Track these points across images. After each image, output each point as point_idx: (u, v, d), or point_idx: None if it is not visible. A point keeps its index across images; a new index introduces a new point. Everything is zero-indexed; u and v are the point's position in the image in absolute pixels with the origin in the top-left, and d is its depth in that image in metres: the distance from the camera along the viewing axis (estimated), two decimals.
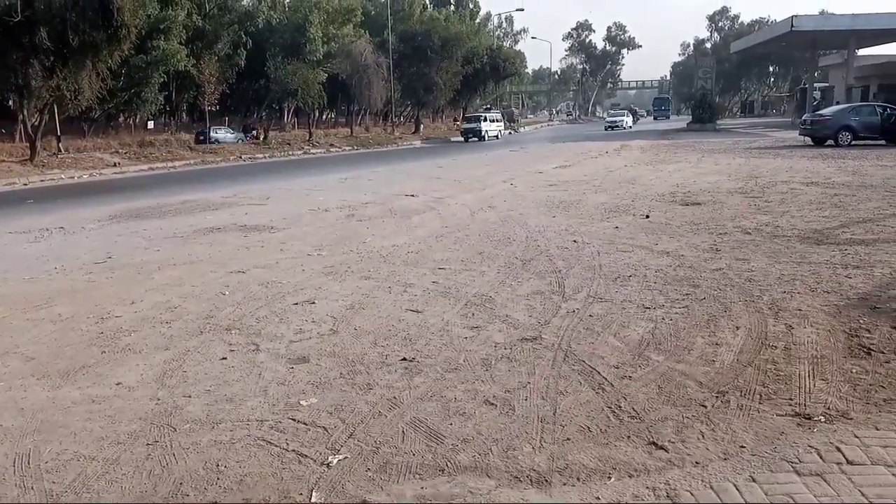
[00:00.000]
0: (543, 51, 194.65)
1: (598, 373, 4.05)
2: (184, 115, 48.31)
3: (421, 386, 3.96)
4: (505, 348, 4.54)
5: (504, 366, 4.23)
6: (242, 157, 33.76)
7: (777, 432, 3.26)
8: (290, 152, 38.50)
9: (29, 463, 3.21)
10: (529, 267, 6.87)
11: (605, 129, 54.03)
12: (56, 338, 5.13)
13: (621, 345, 4.53)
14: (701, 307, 5.29)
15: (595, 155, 24.43)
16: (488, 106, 70.92)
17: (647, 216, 9.87)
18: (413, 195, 13.61)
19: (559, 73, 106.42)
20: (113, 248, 8.85)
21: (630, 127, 57.85)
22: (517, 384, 3.93)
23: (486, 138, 44.36)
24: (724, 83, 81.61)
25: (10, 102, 34.73)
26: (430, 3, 73.08)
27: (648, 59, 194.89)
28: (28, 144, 29.83)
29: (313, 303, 5.79)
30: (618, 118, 59.44)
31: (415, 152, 33.98)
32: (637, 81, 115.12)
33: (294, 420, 3.54)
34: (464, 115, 70.19)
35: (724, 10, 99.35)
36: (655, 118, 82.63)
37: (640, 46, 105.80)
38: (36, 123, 29.88)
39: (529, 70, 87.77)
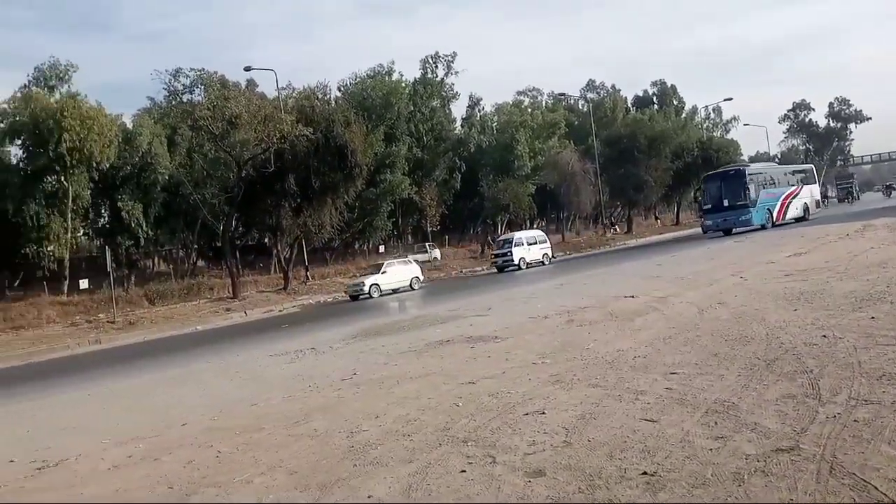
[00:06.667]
0: (758, 136, 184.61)
1: (875, 487, 3.54)
2: (409, 237, 52.30)
3: (667, 503, 3.73)
4: (758, 460, 4.15)
5: (759, 480, 3.86)
6: (462, 270, 35.37)
7: None
8: None
9: None
10: (775, 368, 6.30)
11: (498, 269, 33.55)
12: (314, 452, 5.62)
13: None
14: None
15: (833, 238, 22.14)
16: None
17: None
18: (633, 296, 13.24)
19: (779, 156, 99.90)
20: (357, 364, 9.63)
21: (530, 263, 33.04)
22: (777, 501, 3.55)
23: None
24: None
25: (266, 240, 40.19)
26: (633, 106, 73.64)
27: (885, 131, 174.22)
28: (282, 275, 34.07)
29: (543, 413, 5.78)
30: (506, 252, 33.38)
31: (629, 252, 33.32)
32: (874, 154, 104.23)
33: None
34: (678, 210, 68.12)
35: None
36: (709, 227, 33.86)
37: (870, 118, 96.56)
38: (287, 256, 34.19)
39: (745, 156, 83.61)
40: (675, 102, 77.27)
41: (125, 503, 5.09)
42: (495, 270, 33.54)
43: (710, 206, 33.91)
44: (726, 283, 13.72)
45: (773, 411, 5.03)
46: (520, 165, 50.50)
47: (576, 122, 62.75)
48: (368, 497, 4.42)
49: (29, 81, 37.17)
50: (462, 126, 55.99)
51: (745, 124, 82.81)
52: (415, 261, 32.49)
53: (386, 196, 43.50)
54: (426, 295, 24.06)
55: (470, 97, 58.09)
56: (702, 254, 24.05)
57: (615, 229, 55.72)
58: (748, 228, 31.72)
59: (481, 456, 4.88)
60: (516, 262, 32.99)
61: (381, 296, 28.05)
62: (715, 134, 77.04)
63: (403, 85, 48.08)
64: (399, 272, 30.08)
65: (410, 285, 29.79)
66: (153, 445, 6.68)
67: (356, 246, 48.53)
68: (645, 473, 4.17)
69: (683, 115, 76.83)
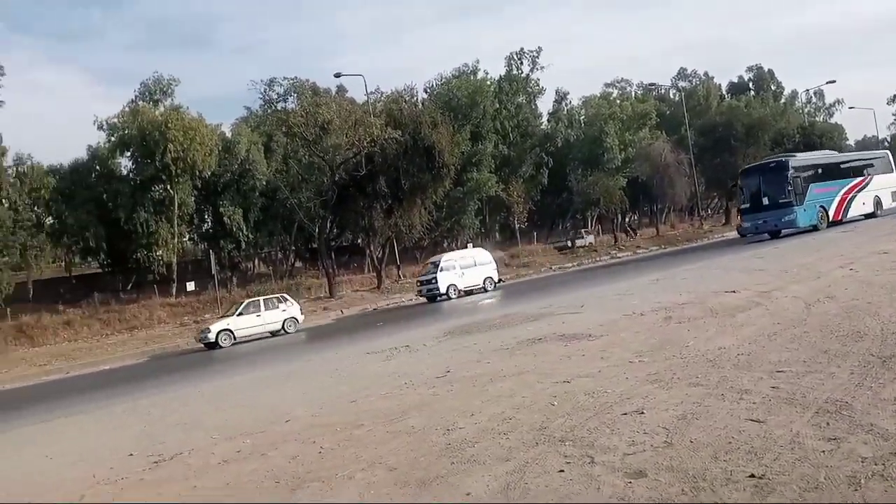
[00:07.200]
0: (866, 119, 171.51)
1: None
2: (496, 235, 52.33)
3: None
4: (875, 463, 3.92)
5: (877, 484, 3.65)
6: (552, 267, 35.03)
7: None
8: (598, 258, 39.03)
9: None
10: (891, 365, 5.92)
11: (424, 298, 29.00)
12: (412, 449, 5.72)
13: None
14: None
15: None
16: None
17: None
18: (733, 291, 12.70)
19: (888, 140, 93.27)
20: (449, 362, 9.73)
21: (466, 290, 28.70)
22: None
23: None
24: None
25: (359, 240, 41.29)
26: (727, 93, 70.76)
27: None
28: (375, 274, 34.90)
29: (642, 413, 5.66)
30: (430, 279, 28.48)
31: (729, 245, 32.01)
32: None
33: None
34: None
35: None
36: (747, 230, 29.47)
37: None
38: (380, 256, 35.03)
39: (851, 142, 78.61)
40: (773, 87, 73.63)
41: (237, 503, 5.35)
42: (591, 265, 32.23)
43: (747, 205, 29.08)
44: (835, 275, 12.97)
45: (892, 411, 4.74)
46: (609, 158, 49.54)
47: (667, 112, 60.92)
48: (467, 495, 4.46)
49: (136, 96, 39.68)
50: (549, 121, 55.45)
51: (850, 107, 77.40)
52: (292, 301, 26.11)
53: (473, 194, 43.69)
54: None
55: (556, 92, 57.55)
56: (807, 245, 22.84)
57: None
58: (793, 231, 27.37)
59: (579, 456, 4.84)
60: (443, 290, 27.78)
61: (233, 344, 23.34)
62: (817, 119, 72.91)
63: (489, 83, 48.13)
64: (265, 314, 24.67)
65: (283, 328, 24.63)
66: (259, 441, 6.99)
67: (445, 244, 49.01)
68: (752, 476, 4.01)
69: (782, 100, 73.08)
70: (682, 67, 71.97)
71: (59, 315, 32.57)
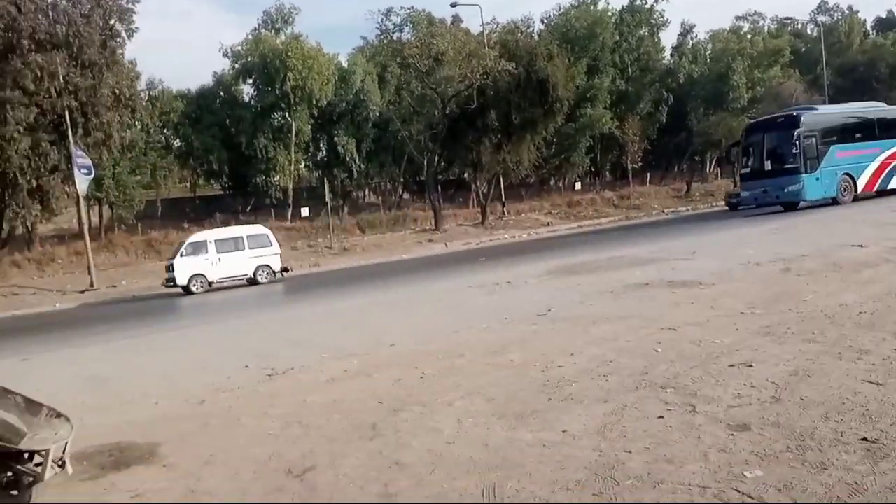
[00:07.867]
0: None
1: None
2: (607, 175, 50.92)
3: (889, 473, 3.42)
4: None
5: None
6: (665, 211, 33.95)
7: None
8: (714, 204, 37.39)
9: (494, 495, 3.68)
10: None
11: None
12: (511, 382, 5.84)
13: None
14: None
15: None
16: None
17: None
18: (861, 245, 11.87)
19: None
20: (552, 301, 9.73)
21: (222, 282, 22.13)
22: None
23: None
24: None
25: (465, 175, 41.39)
26: (873, 29, 64.38)
27: None
28: (479, 210, 35.05)
29: (751, 366, 5.49)
30: (170, 263, 22.15)
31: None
32: None
33: (738, 492, 3.39)
34: None
35: None
36: (744, 200, 24.98)
37: None
38: (485, 192, 35.05)
39: None
40: None
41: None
42: (706, 210, 30.36)
43: (747, 169, 23.92)
44: None
45: None
46: (735, 97, 46.62)
47: (803, 49, 56.23)
48: (563, 431, 4.53)
49: (259, 24, 40.82)
50: (672, 55, 52.52)
51: None
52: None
53: (585, 131, 42.45)
54: (625, 235, 23.02)
55: (682, 24, 54.13)
56: None
57: None
58: (807, 202, 22.27)
59: (681, 404, 4.78)
60: (182, 282, 21.32)
61: None
62: None
63: (609, 14, 46.00)
64: None
65: None
66: (365, 362, 7.32)
67: (551, 182, 48.25)
68: (865, 440, 3.84)
69: None
70: (822, 0, 65.81)
71: (184, 232, 34.81)
